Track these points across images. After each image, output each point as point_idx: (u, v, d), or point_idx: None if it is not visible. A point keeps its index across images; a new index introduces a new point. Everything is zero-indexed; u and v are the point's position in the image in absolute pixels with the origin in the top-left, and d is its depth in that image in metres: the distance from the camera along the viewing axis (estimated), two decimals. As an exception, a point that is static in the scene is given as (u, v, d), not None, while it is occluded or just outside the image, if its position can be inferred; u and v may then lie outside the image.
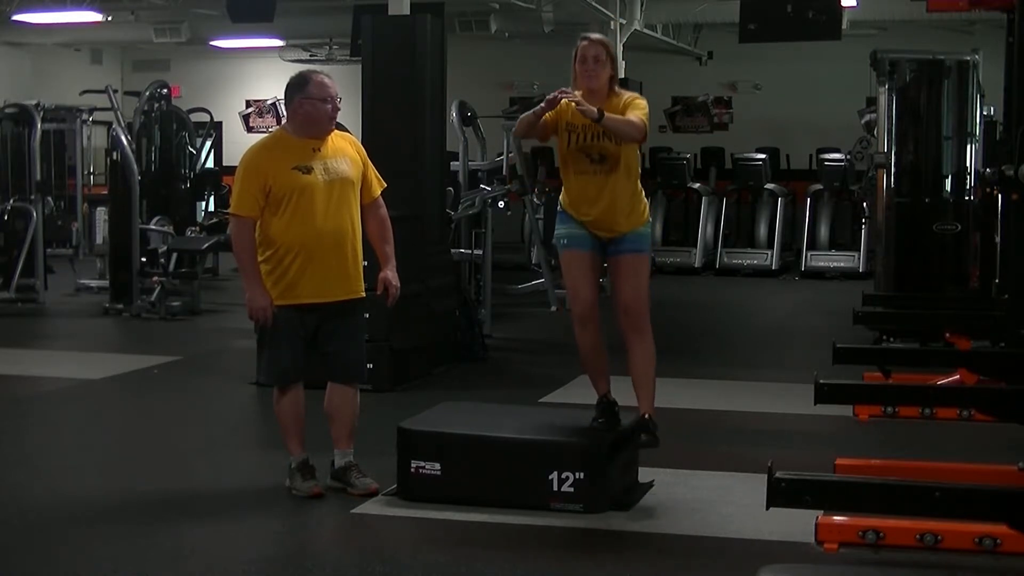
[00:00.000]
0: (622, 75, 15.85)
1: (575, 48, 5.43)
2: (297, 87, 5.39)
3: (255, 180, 5.31)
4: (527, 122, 5.37)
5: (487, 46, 18.63)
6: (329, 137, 5.44)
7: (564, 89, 5.29)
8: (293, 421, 5.48)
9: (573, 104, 5.23)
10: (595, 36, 5.48)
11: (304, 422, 5.49)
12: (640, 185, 5.53)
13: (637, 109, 5.32)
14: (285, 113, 5.59)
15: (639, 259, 5.45)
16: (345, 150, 5.49)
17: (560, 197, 5.55)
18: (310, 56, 20.33)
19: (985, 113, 10.76)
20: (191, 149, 13.74)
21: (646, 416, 5.45)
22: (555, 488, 5.18)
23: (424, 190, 8.84)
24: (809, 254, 15.99)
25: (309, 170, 5.31)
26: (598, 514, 5.15)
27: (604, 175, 5.34)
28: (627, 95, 5.42)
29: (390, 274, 5.51)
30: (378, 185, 5.62)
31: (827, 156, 16.30)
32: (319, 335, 5.42)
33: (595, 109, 5.16)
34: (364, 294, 5.50)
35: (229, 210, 5.52)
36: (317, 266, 5.31)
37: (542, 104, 5.27)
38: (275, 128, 5.75)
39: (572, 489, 5.17)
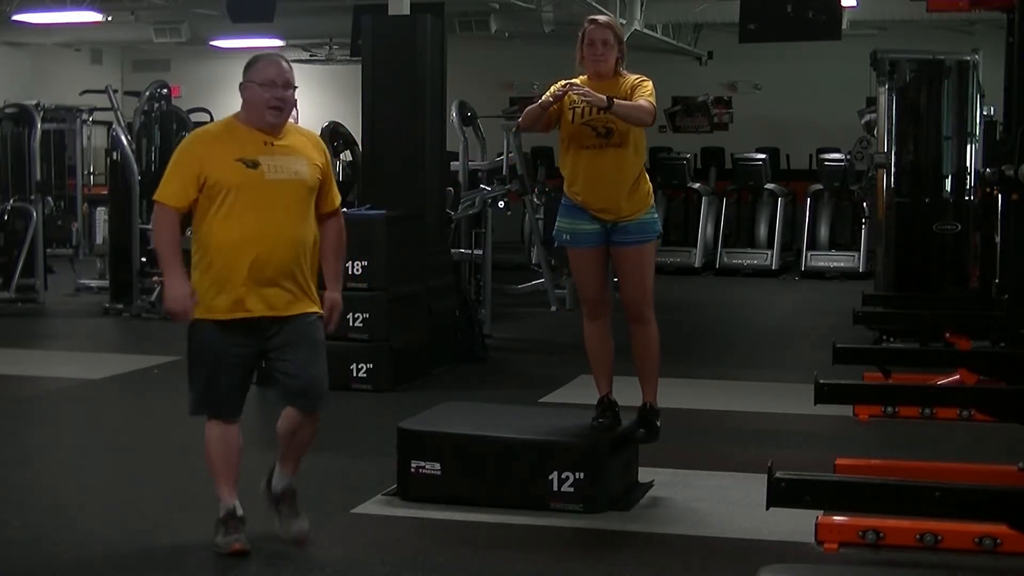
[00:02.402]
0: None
1: (581, 31, 5.36)
2: (245, 68, 4.73)
3: (189, 168, 4.59)
4: (533, 115, 5.28)
5: (487, 46, 18.63)
6: (288, 132, 4.73)
7: (570, 81, 5.23)
8: (221, 461, 4.72)
9: (580, 97, 5.17)
10: (602, 19, 5.43)
11: (237, 463, 4.75)
12: (644, 169, 5.44)
13: (645, 91, 5.25)
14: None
15: (643, 250, 5.39)
16: (304, 149, 4.74)
17: (565, 185, 5.45)
18: (310, 56, 20.34)
19: (985, 113, 10.76)
20: (191, 149, 13.71)
21: (647, 405, 5.46)
22: (555, 488, 5.18)
23: (424, 190, 8.85)
24: (809, 254, 16.00)
25: (255, 164, 4.59)
26: (598, 514, 5.15)
27: (610, 149, 5.26)
28: (632, 77, 5.35)
29: (338, 296, 4.83)
30: (337, 196, 4.90)
31: (827, 156, 16.31)
32: (270, 354, 4.73)
33: (604, 98, 5.08)
34: (315, 310, 4.74)
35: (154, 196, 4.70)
36: (255, 275, 4.57)
37: (548, 97, 5.18)
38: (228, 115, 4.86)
39: (572, 489, 5.17)
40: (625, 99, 5.23)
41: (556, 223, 5.53)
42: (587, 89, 5.17)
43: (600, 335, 5.48)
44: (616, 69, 5.36)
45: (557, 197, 14.19)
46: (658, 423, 5.51)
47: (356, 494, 5.46)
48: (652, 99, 5.25)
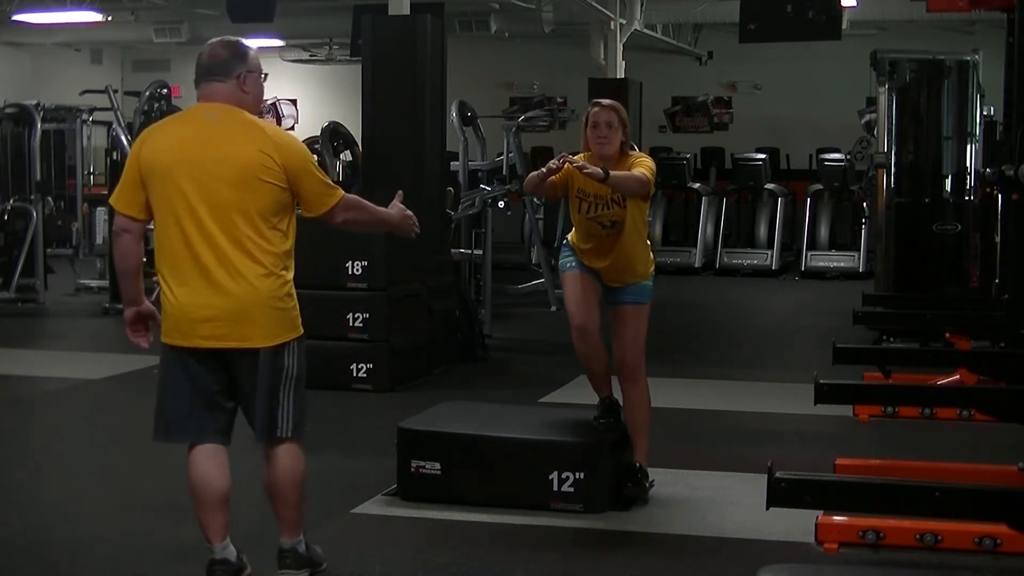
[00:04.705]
0: (621, 76, 15.87)
1: (586, 113, 5.40)
2: (244, 56, 4.09)
3: None
4: (533, 183, 5.37)
5: (487, 46, 18.63)
6: None
7: (565, 155, 5.26)
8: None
9: (578, 169, 5.19)
10: (606, 102, 5.43)
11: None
12: (647, 240, 5.52)
13: (643, 166, 5.29)
14: (234, 86, 4.07)
15: (639, 310, 5.45)
16: None
17: (570, 235, 5.53)
18: (310, 56, 20.35)
19: (985, 113, 10.77)
20: (191, 149, 13.71)
21: (637, 464, 5.43)
22: (555, 488, 5.18)
23: (424, 190, 8.86)
24: (809, 254, 16.00)
25: None
26: (598, 514, 5.15)
27: (615, 237, 5.34)
28: (635, 155, 5.41)
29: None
30: None
31: (827, 156, 16.32)
32: None
33: (600, 171, 5.09)
34: None
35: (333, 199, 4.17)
36: None
37: (548, 166, 5.22)
38: (236, 110, 4.07)
39: (572, 489, 5.17)
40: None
41: (561, 258, 5.58)
42: (583, 162, 5.18)
43: (593, 353, 5.44)
44: (622, 151, 5.36)
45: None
46: (647, 483, 5.44)
47: (356, 494, 5.47)
48: (649, 173, 5.27)
